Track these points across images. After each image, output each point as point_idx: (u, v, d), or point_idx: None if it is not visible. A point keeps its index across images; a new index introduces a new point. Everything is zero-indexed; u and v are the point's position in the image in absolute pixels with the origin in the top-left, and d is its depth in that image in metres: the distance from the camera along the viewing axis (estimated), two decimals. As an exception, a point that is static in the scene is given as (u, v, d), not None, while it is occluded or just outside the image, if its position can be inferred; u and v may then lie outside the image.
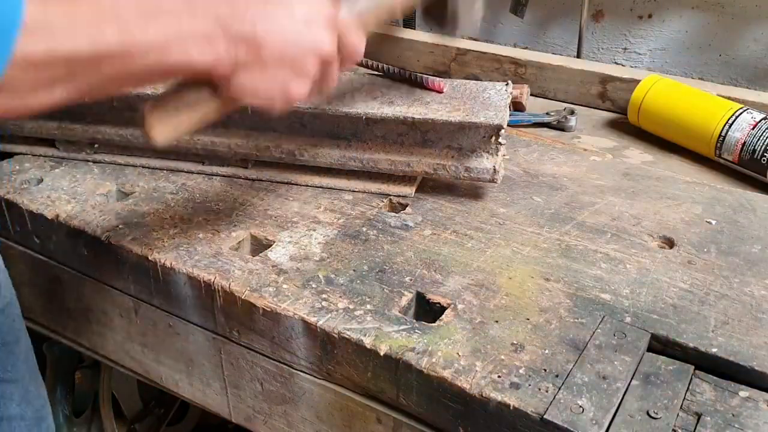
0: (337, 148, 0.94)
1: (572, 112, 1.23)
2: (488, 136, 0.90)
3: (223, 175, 0.99)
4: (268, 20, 0.61)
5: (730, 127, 1.06)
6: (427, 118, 0.89)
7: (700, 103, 1.14)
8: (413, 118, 0.89)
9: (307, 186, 0.97)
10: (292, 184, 0.98)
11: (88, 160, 1.03)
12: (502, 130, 0.89)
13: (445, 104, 0.91)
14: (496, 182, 0.92)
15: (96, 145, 1.02)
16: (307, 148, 0.95)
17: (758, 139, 1.03)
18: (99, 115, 0.99)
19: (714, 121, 1.08)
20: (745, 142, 1.04)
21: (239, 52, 0.60)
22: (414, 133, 0.92)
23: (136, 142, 0.99)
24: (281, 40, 0.62)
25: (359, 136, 0.94)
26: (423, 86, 0.96)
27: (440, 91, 0.95)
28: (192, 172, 1.00)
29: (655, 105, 1.17)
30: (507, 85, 0.96)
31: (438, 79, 0.97)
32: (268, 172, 0.99)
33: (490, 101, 0.92)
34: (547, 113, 1.22)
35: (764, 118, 1.05)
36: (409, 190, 0.95)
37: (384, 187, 0.95)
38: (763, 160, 1.02)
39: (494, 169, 0.90)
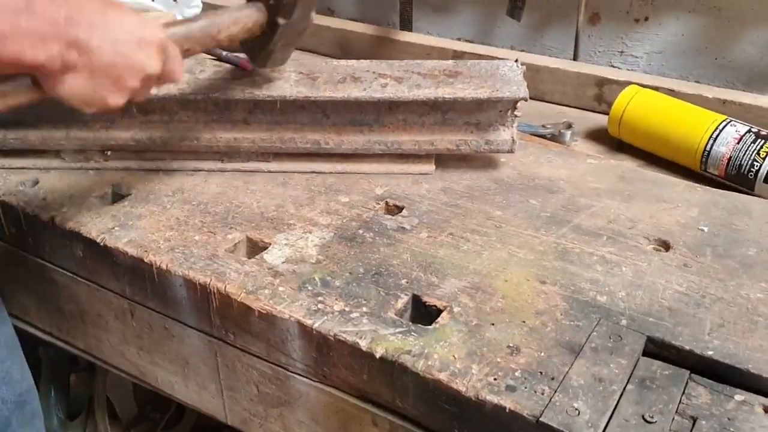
0: (361, 134, 0.98)
1: (569, 126, 1.21)
2: (505, 110, 0.96)
3: (245, 171, 1.00)
4: (104, 31, 0.64)
5: (714, 141, 1.05)
6: (456, 97, 0.94)
7: (683, 116, 1.12)
8: (443, 98, 0.94)
9: (330, 173, 1.00)
10: (315, 173, 1.00)
11: (98, 168, 1.01)
12: (518, 104, 0.95)
13: (467, 83, 0.96)
14: (513, 152, 0.98)
15: (108, 152, 1.01)
16: (332, 137, 0.98)
17: (744, 154, 1.02)
18: (110, 121, 0.98)
19: (698, 135, 1.07)
20: (731, 157, 1.03)
21: (71, 56, 0.63)
22: (435, 113, 0.97)
23: (154, 146, 0.99)
24: (112, 52, 0.65)
25: (381, 120, 0.98)
26: (237, 66, 1.00)
27: (247, 69, 0.98)
28: (210, 170, 1.01)
29: (636, 118, 1.15)
30: (516, 61, 1.02)
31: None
32: (291, 164, 1.01)
33: (507, 77, 0.98)
34: (543, 126, 1.22)
35: (748, 131, 1.04)
36: (430, 168, 1.00)
37: (406, 167, 0.99)
38: (750, 174, 1.02)
39: (512, 140, 0.97)
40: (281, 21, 0.85)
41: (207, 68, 1.01)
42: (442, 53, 1.43)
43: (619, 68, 1.47)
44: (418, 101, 0.95)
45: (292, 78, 0.98)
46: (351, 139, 0.98)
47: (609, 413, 0.61)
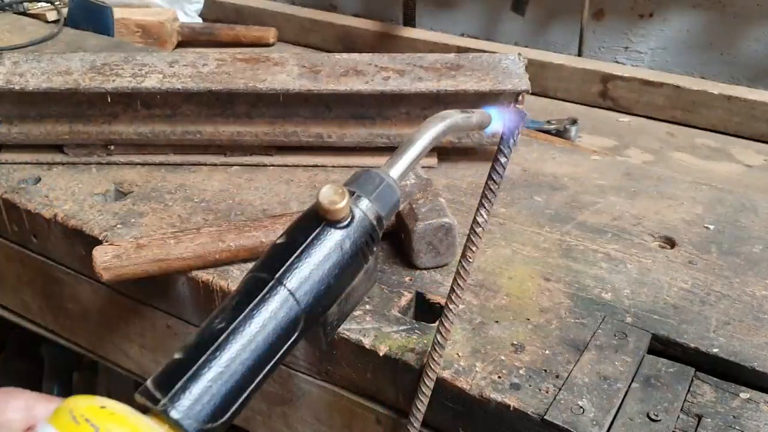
0: (363, 127, 0.99)
1: (574, 122, 1.21)
2: (507, 102, 0.96)
3: (248, 165, 1.01)
4: None
5: None
6: (459, 90, 0.94)
7: None
8: (445, 91, 0.94)
9: (333, 168, 1.00)
10: (318, 166, 1.00)
11: (102, 163, 1.01)
12: (521, 97, 0.96)
13: (469, 76, 0.96)
14: (515, 145, 0.97)
15: (112, 147, 1.00)
16: (335, 130, 0.98)
17: None
18: (113, 116, 0.98)
19: None
20: None
21: None
22: (437, 106, 0.96)
23: (156, 140, 0.99)
24: None
25: (384, 114, 0.98)
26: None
27: None
28: (214, 165, 1.01)
29: None
30: (519, 55, 1.02)
31: None
32: (293, 157, 1.01)
33: (509, 70, 0.98)
34: (548, 121, 1.21)
35: None
36: (432, 161, 1.00)
37: None
38: None
39: None
40: None
41: (209, 62, 1.01)
42: (445, 49, 1.43)
43: (623, 64, 1.46)
44: (421, 94, 0.95)
45: (295, 71, 0.98)
46: (353, 133, 0.99)
47: (614, 411, 0.61)
